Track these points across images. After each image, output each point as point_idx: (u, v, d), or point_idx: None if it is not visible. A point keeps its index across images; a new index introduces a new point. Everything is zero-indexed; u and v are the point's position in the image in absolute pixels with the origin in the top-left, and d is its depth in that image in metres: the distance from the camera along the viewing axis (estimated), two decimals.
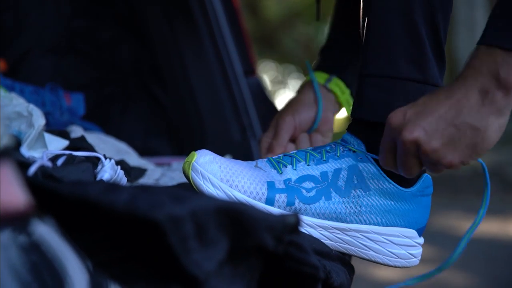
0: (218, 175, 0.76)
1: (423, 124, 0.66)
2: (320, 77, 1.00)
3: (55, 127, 1.21)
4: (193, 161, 0.76)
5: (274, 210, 0.76)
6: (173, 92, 1.44)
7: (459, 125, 0.65)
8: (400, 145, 0.68)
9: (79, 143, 0.89)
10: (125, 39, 1.47)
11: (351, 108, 0.86)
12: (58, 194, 0.50)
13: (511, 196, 4.43)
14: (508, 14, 0.66)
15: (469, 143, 0.66)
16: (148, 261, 0.51)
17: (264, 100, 1.39)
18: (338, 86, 0.99)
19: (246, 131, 1.34)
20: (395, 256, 0.79)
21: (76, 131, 1.03)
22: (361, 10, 0.79)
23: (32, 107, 0.84)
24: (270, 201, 0.76)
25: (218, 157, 0.78)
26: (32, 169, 0.63)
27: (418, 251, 0.81)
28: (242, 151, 1.30)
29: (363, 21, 0.79)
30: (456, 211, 4.06)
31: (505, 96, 0.65)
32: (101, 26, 1.47)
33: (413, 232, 0.79)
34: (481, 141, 0.66)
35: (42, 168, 0.65)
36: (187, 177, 0.77)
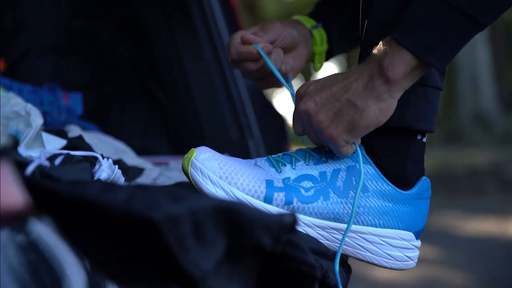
0: (217, 172, 0.76)
1: (315, 98, 0.74)
2: (308, 22, 0.98)
3: (53, 127, 1.21)
4: (192, 157, 0.76)
5: (272, 208, 0.76)
6: (172, 92, 1.44)
7: (343, 101, 0.73)
8: (298, 113, 0.77)
9: (77, 143, 0.89)
10: (125, 39, 1.47)
11: (319, 64, 0.96)
12: (56, 194, 0.50)
13: (510, 196, 4.43)
14: (412, 12, 0.70)
15: (348, 119, 0.73)
16: (146, 261, 0.51)
17: (261, 99, 1.39)
18: (320, 36, 0.96)
19: (244, 131, 1.34)
20: (392, 258, 0.79)
21: (74, 131, 1.03)
22: (360, 10, 0.79)
23: (30, 106, 0.84)
24: (268, 200, 0.76)
25: (217, 154, 0.78)
26: (30, 169, 0.63)
27: (415, 253, 0.81)
28: (240, 150, 1.30)
29: (363, 21, 0.79)
30: (454, 211, 4.06)
31: (384, 84, 0.71)
32: (101, 26, 1.47)
33: (410, 235, 0.79)
34: (359, 118, 0.72)
35: (40, 168, 0.65)
36: (186, 173, 0.77)
